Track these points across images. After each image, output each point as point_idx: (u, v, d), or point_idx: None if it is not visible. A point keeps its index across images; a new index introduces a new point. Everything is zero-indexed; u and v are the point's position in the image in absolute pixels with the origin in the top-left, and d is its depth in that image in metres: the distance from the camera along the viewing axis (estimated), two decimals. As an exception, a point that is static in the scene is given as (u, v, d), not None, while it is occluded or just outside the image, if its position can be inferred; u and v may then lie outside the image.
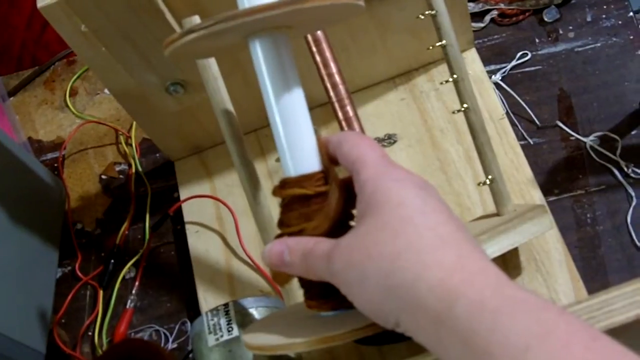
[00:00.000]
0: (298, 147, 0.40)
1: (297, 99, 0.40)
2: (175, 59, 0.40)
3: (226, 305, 0.61)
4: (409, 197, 0.33)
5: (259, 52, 0.39)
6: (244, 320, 0.60)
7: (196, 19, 0.55)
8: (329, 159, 0.39)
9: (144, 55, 0.63)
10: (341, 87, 0.57)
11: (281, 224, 0.40)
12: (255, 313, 0.61)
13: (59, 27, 0.63)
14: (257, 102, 0.58)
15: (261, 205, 0.56)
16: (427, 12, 0.59)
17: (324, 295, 0.39)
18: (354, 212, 0.41)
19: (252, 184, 0.55)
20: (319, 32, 0.56)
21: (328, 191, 0.38)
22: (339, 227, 0.39)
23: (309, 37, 0.56)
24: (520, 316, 0.28)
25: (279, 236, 0.40)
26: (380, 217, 0.33)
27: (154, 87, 0.67)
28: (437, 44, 0.60)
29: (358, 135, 0.38)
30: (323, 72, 0.57)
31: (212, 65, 0.55)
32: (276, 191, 0.41)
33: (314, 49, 0.56)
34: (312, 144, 0.40)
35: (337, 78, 0.57)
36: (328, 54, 0.56)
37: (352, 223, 0.41)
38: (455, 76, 0.60)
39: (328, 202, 0.38)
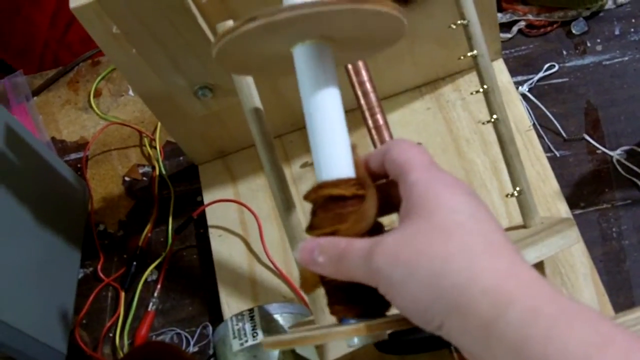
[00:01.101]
0: (335, 153, 0.40)
1: (336, 107, 0.40)
2: (220, 57, 0.40)
3: (251, 310, 0.61)
4: (461, 203, 0.33)
5: (303, 58, 0.39)
6: (269, 326, 0.60)
7: (230, 24, 0.55)
8: (368, 172, 0.40)
9: (174, 58, 0.63)
10: (372, 95, 0.57)
11: (312, 227, 0.40)
12: (280, 319, 0.61)
13: (91, 28, 0.64)
14: (283, 109, 0.58)
15: (290, 211, 0.56)
16: (459, 22, 0.59)
17: (350, 300, 0.39)
18: (384, 219, 0.41)
19: (282, 189, 0.55)
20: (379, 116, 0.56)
21: (365, 194, 0.39)
22: (372, 231, 0.39)
23: (369, 120, 0.57)
24: (578, 325, 0.27)
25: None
26: (432, 220, 0.33)
27: (183, 91, 0.67)
28: (469, 54, 0.60)
29: (407, 141, 0.38)
30: (354, 79, 0.57)
31: (245, 70, 0.55)
32: (310, 194, 0.40)
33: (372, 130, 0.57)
34: (348, 150, 0.40)
35: (368, 86, 0.57)
36: (360, 62, 0.56)
37: (386, 228, 0.41)
38: (485, 87, 0.60)
39: (365, 203, 0.38)
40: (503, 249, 0.32)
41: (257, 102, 0.55)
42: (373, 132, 0.57)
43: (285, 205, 0.56)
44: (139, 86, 0.70)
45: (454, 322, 0.30)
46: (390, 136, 0.58)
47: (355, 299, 0.39)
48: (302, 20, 0.36)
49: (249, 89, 0.55)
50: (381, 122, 0.57)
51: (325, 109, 0.39)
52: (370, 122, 0.57)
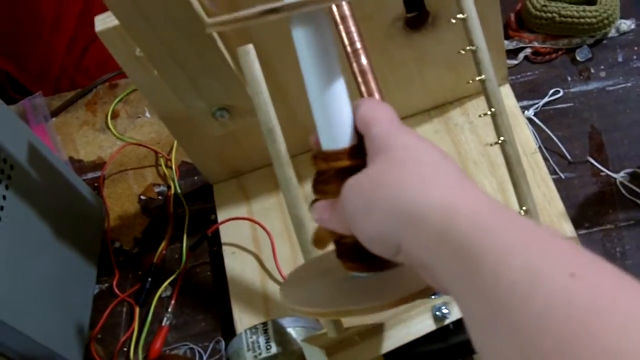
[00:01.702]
0: (339, 123, 0.41)
1: (337, 77, 0.41)
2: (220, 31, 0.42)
3: (265, 324, 0.63)
4: (414, 141, 0.37)
5: (300, 30, 0.40)
6: (282, 339, 0.61)
7: (250, 48, 0.58)
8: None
9: (194, 80, 0.66)
10: (355, 36, 0.58)
11: (323, 192, 0.42)
12: (293, 332, 0.62)
13: (115, 50, 0.66)
14: (297, 129, 0.60)
15: (305, 227, 0.58)
16: (467, 48, 0.61)
17: (361, 257, 0.42)
18: None
19: (297, 205, 0.57)
20: (365, 63, 0.58)
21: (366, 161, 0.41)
22: None
23: (356, 69, 0.58)
24: (509, 226, 0.30)
25: (317, 200, 0.43)
26: (388, 156, 0.36)
27: (201, 112, 0.70)
28: (477, 78, 0.62)
29: (375, 100, 0.41)
30: (341, 27, 0.58)
31: (263, 91, 0.57)
32: (320, 163, 0.43)
33: (359, 79, 0.58)
34: (350, 118, 0.42)
35: (355, 36, 0.58)
36: (373, 84, 0.58)
37: None
38: (493, 109, 0.62)
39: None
40: (454, 171, 0.35)
41: (275, 120, 0.57)
42: (358, 77, 0.58)
43: (300, 222, 0.58)
44: (159, 107, 0.73)
45: (409, 238, 0.33)
46: (376, 80, 0.58)
47: (363, 256, 0.41)
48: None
49: (267, 107, 0.57)
50: (365, 64, 0.58)
51: (327, 76, 0.41)
52: (355, 66, 0.58)
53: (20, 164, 0.71)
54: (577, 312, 0.24)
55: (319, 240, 0.44)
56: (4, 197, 0.67)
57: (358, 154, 0.41)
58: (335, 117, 0.41)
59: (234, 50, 0.61)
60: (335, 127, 0.41)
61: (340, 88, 0.42)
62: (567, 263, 0.27)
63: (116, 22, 0.63)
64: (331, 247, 0.45)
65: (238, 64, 0.65)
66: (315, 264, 0.54)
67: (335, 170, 0.41)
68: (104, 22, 0.64)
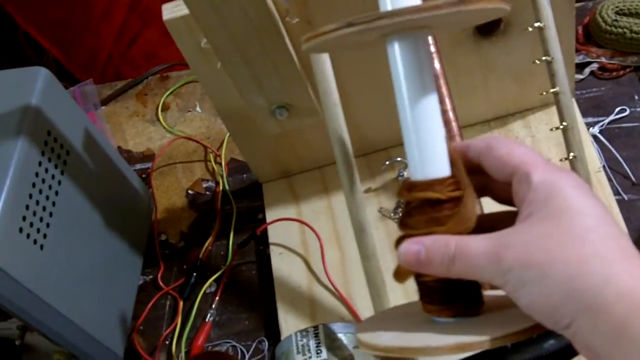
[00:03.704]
0: (430, 150, 0.39)
1: (431, 101, 0.39)
2: (310, 51, 0.40)
3: (316, 327, 0.61)
4: (589, 206, 0.34)
5: (398, 51, 0.38)
6: (333, 344, 0.60)
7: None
8: (465, 165, 0.39)
9: (257, 76, 0.65)
10: (454, 124, 0.58)
11: (406, 225, 0.39)
12: (344, 339, 0.61)
13: (180, 40, 0.66)
14: (352, 133, 0.59)
15: (366, 233, 0.56)
16: (543, 58, 0.60)
17: (447, 300, 0.39)
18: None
19: (359, 211, 0.56)
20: (437, 68, 0.57)
21: (462, 196, 0.38)
22: (471, 232, 0.39)
23: None
24: None
25: (403, 237, 0.40)
26: (562, 223, 0.34)
27: (261, 109, 0.69)
28: (550, 91, 0.60)
29: (510, 139, 0.39)
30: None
31: (333, 92, 0.56)
32: (403, 193, 0.40)
33: None
34: (443, 148, 0.39)
35: (450, 115, 0.58)
36: (445, 90, 0.57)
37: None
38: (565, 124, 0.60)
39: (463, 207, 0.38)
40: (635, 254, 0.33)
41: (342, 122, 0.56)
42: None
43: (361, 227, 0.57)
44: (218, 100, 0.72)
45: (584, 323, 0.31)
46: (447, 86, 0.57)
47: (450, 299, 0.39)
48: (403, 23, 0.36)
49: (335, 108, 0.56)
50: (438, 68, 0.57)
51: (422, 102, 0.38)
52: None
53: (75, 150, 0.71)
54: None
55: (400, 274, 0.40)
56: (60, 183, 0.67)
57: (456, 185, 0.38)
58: (430, 144, 0.39)
59: (300, 49, 0.60)
60: (432, 153, 0.39)
61: (435, 114, 0.39)
62: None
63: (185, 11, 0.62)
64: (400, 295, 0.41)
65: (303, 63, 0.64)
66: (392, 311, 0.51)
67: (427, 201, 0.38)
68: (172, 10, 0.63)
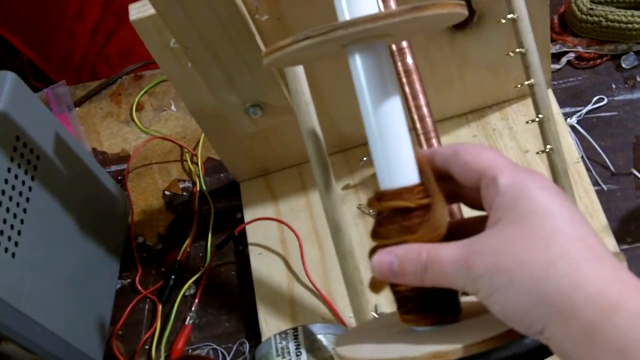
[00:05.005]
0: (396, 159, 0.38)
1: (395, 110, 0.38)
2: (272, 65, 0.40)
3: (295, 329, 0.61)
4: (556, 207, 0.33)
5: (358, 61, 0.38)
6: (313, 346, 0.59)
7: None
8: (433, 172, 0.39)
9: (229, 75, 0.64)
10: (428, 120, 0.57)
11: (378, 235, 0.39)
12: (324, 339, 0.60)
13: (148, 40, 0.64)
14: (328, 130, 0.58)
15: (342, 233, 0.55)
16: (517, 50, 0.59)
17: (424, 309, 0.39)
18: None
19: (335, 210, 0.55)
20: (410, 63, 0.56)
21: (431, 204, 0.38)
22: (442, 240, 0.38)
23: (400, 68, 0.56)
24: None
25: (377, 248, 0.39)
26: (528, 226, 0.33)
27: (234, 108, 0.67)
28: (525, 83, 0.59)
29: (477, 144, 0.38)
30: (411, 103, 0.57)
31: (304, 91, 0.55)
32: (373, 203, 0.39)
33: (404, 80, 0.57)
34: (411, 156, 0.39)
35: (424, 110, 0.57)
36: (418, 86, 0.56)
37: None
38: (541, 116, 0.60)
39: (432, 214, 0.37)
40: (603, 253, 0.32)
41: (315, 120, 0.55)
42: (403, 77, 0.56)
43: (337, 227, 0.56)
44: (190, 100, 0.71)
45: (557, 327, 0.31)
46: (421, 81, 0.57)
47: (426, 308, 0.38)
48: (360, 32, 0.36)
49: (307, 107, 0.55)
50: (411, 64, 0.56)
51: (386, 111, 0.38)
52: (425, 146, 0.57)
53: (46, 154, 0.69)
54: None
55: (376, 285, 0.40)
56: (30, 188, 0.65)
57: (425, 193, 0.38)
58: (396, 153, 0.38)
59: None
60: (400, 162, 0.38)
61: (400, 122, 0.39)
62: None
63: (152, 11, 0.61)
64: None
65: (275, 60, 0.63)
66: (372, 323, 0.51)
67: (397, 210, 0.38)
68: (139, 10, 0.62)
